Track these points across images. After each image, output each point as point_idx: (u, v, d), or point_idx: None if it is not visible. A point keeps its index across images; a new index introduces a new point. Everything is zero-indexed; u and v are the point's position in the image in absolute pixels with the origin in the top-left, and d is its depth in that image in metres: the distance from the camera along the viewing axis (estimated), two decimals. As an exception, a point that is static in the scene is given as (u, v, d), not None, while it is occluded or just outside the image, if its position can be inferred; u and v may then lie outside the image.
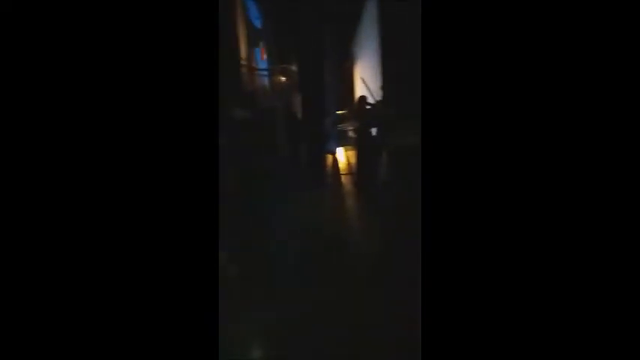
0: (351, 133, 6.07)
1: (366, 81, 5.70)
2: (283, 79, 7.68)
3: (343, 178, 5.73)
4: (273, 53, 8.38)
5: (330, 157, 5.79)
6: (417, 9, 1.34)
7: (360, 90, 6.47)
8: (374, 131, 4.83)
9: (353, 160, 5.47)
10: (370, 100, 4.96)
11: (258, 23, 7.69)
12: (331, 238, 4.04)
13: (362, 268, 3.13)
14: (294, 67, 7.22)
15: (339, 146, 5.81)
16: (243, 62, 7.04)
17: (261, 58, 8.34)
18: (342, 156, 5.82)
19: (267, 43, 8.42)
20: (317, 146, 5.98)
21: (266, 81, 8.41)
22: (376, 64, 5.48)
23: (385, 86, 4.96)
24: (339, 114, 6.01)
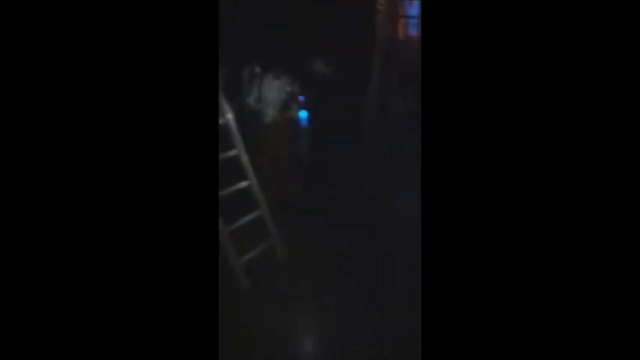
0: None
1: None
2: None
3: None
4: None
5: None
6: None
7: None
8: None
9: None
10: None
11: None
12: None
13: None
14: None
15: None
16: (380, 7, 6.11)
17: (410, 4, 7.66)
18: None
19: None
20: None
21: (415, 30, 7.75)
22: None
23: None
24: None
